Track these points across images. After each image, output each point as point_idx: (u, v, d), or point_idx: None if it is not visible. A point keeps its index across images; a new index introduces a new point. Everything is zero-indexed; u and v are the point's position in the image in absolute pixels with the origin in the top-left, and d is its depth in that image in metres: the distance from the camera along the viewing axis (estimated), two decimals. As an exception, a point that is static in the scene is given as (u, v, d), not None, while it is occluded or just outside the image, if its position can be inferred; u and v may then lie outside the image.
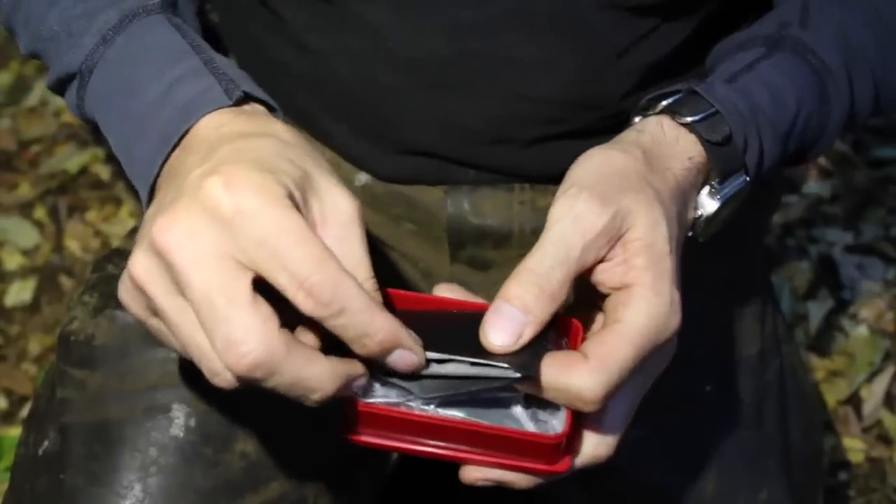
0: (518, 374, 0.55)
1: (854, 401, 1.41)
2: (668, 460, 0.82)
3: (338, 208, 0.55)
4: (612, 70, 0.71)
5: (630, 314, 0.57)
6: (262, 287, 0.52)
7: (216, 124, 0.59)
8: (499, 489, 0.63)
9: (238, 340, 0.51)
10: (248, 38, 0.80)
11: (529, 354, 0.57)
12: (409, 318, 0.58)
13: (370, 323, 0.53)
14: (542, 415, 0.59)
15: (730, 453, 0.83)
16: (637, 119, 0.66)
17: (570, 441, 0.59)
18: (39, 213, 1.62)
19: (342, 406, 0.58)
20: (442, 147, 0.75)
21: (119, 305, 0.78)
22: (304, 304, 0.52)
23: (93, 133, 1.73)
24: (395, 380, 0.57)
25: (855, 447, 1.37)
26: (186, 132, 0.59)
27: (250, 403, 0.77)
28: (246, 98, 0.61)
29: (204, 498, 0.74)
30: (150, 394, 0.76)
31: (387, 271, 0.81)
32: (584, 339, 0.60)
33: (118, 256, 0.83)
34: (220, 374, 0.52)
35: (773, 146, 0.67)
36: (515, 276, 0.57)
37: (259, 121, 0.59)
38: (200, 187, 0.53)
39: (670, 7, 0.71)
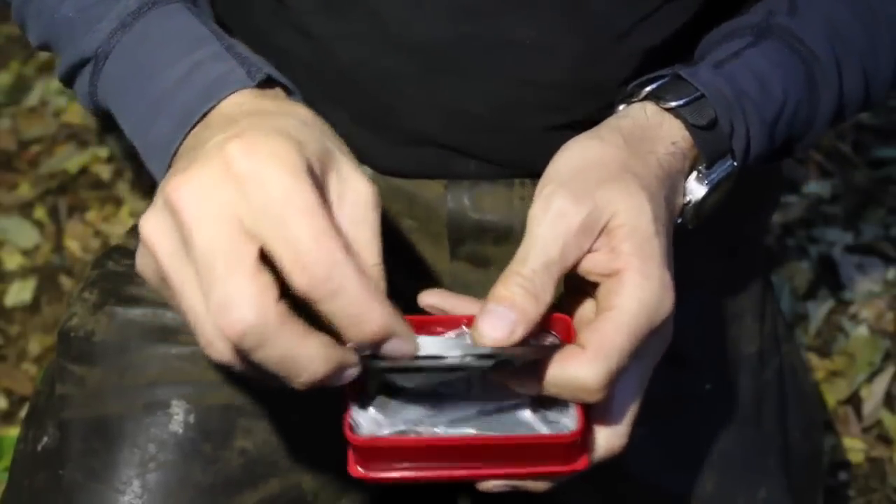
0: (503, 349, 0.55)
1: (854, 401, 1.41)
2: (668, 459, 0.82)
3: (356, 189, 0.54)
4: (613, 54, 0.71)
5: (622, 300, 0.57)
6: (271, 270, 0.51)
7: (238, 102, 0.59)
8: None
9: (232, 304, 0.49)
10: (250, 26, 0.80)
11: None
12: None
13: (366, 310, 0.51)
14: (552, 415, 0.59)
15: (729, 452, 0.83)
16: (622, 107, 0.66)
17: (584, 437, 0.58)
18: (39, 213, 1.62)
19: (349, 445, 0.57)
20: (443, 135, 0.75)
21: (119, 302, 0.79)
22: (299, 279, 0.50)
23: (100, 132, 1.73)
24: (390, 376, 0.57)
25: (855, 447, 1.37)
26: (208, 112, 0.59)
27: (250, 400, 0.77)
28: (268, 82, 0.61)
29: (203, 494, 0.74)
30: (149, 390, 0.76)
31: (386, 269, 0.81)
32: (574, 332, 0.60)
33: (118, 253, 0.83)
34: (214, 343, 0.51)
35: (760, 132, 0.67)
36: (502, 280, 0.58)
37: (282, 102, 0.59)
38: (221, 148, 0.52)
39: None
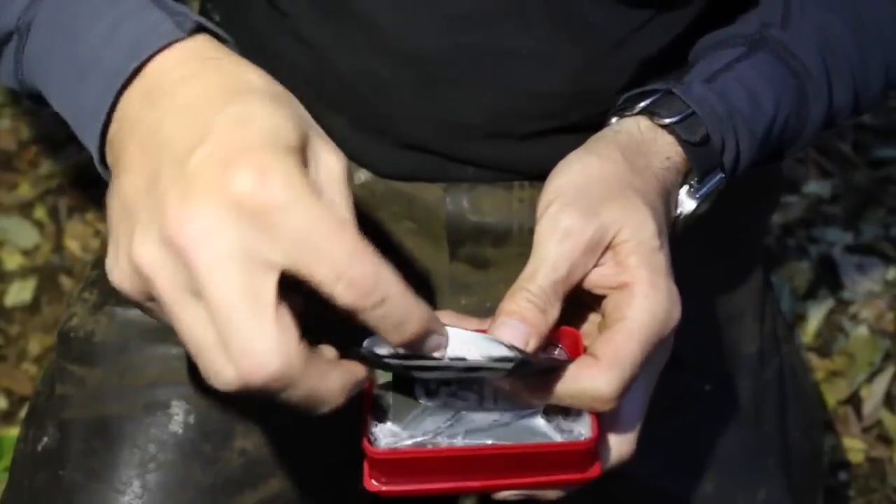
0: (522, 354, 0.55)
1: (854, 401, 1.42)
2: (668, 460, 0.82)
3: (329, 168, 0.52)
4: (608, 63, 0.72)
5: (633, 311, 0.58)
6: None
7: (172, 64, 0.54)
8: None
9: (258, 351, 0.47)
10: (248, 33, 0.80)
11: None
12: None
13: (411, 310, 0.51)
14: (566, 424, 0.59)
15: (729, 453, 0.83)
16: (614, 119, 0.66)
17: (598, 445, 0.59)
18: (39, 213, 1.62)
19: (365, 459, 0.57)
20: (439, 142, 0.75)
21: (119, 302, 0.79)
22: (344, 296, 0.49)
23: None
24: (407, 367, 0.56)
25: (855, 447, 1.37)
26: (139, 71, 0.54)
27: (250, 401, 0.77)
28: (198, 31, 0.55)
29: (203, 494, 0.74)
30: (149, 390, 0.76)
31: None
32: (583, 345, 0.61)
33: (118, 253, 0.83)
34: (224, 378, 0.49)
35: (749, 147, 0.68)
36: (510, 296, 0.59)
37: (226, 66, 0.54)
38: (225, 177, 0.48)
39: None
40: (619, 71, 0.72)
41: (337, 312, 0.50)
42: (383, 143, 0.76)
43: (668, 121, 0.64)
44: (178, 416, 0.75)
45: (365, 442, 0.56)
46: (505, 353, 0.56)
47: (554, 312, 0.58)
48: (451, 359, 0.54)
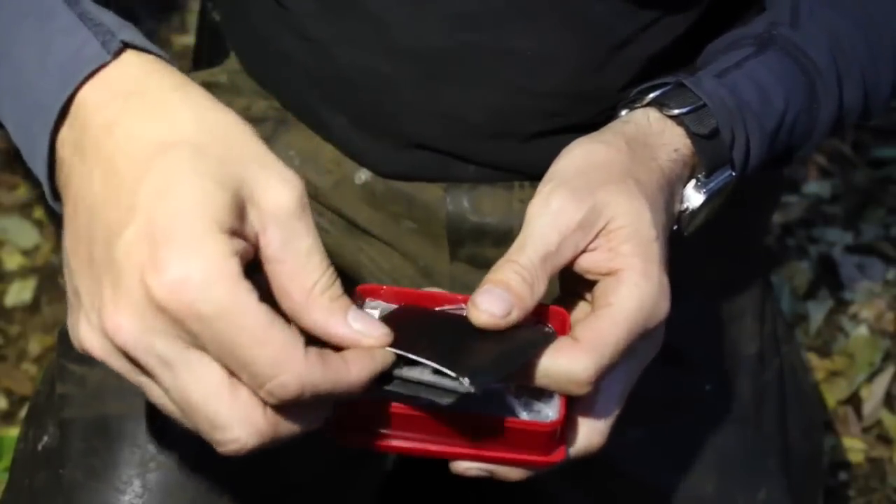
0: (471, 389, 0.53)
1: (854, 401, 1.42)
2: (668, 460, 0.82)
3: (276, 206, 0.50)
4: (611, 62, 0.72)
5: (620, 297, 0.57)
6: None
7: (97, 103, 0.51)
8: (499, 491, 0.63)
9: (227, 430, 0.49)
10: (250, 31, 0.80)
11: (503, 355, 0.56)
12: (388, 320, 0.58)
13: (344, 388, 0.51)
14: (535, 404, 0.58)
15: (729, 453, 0.83)
16: (624, 112, 0.66)
17: (564, 431, 0.58)
18: (39, 213, 1.62)
19: None
20: (441, 141, 0.75)
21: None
22: (268, 399, 0.49)
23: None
24: None
25: (855, 447, 1.37)
26: (69, 106, 0.52)
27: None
28: (126, 47, 0.53)
29: (203, 494, 0.74)
30: (149, 390, 0.75)
31: (387, 270, 0.81)
32: (570, 326, 0.60)
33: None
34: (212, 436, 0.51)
35: (759, 142, 0.67)
36: (497, 267, 0.58)
37: (150, 104, 0.51)
38: (147, 274, 0.47)
39: None
40: (622, 70, 0.72)
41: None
42: (384, 142, 0.76)
43: (677, 112, 0.64)
44: (179, 415, 0.75)
45: None
46: (455, 386, 0.54)
47: (540, 287, 0.57)
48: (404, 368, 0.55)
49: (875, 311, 1.49)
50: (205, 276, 0.47)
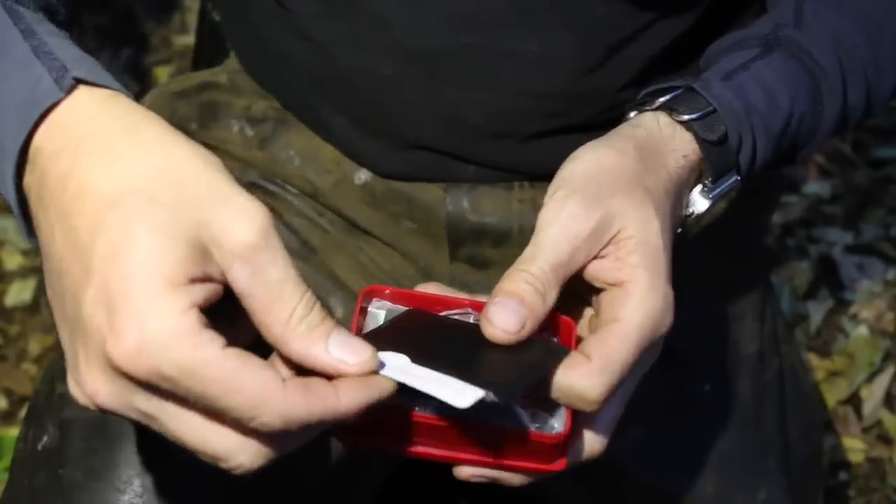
0: (490, 394, 0.54)
1: (854, 401, 1.42)
2: (668, 460, 0.83)
3: (237, 243, 0.49)
4: (611, 63, 0.72)
5: (628, 312, 0.57)
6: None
7: (52, 151, 0.50)
8: (498, 490, 0.63)
9: (232, 466, 0.50)
10: (250, 32, 0.80)
11: (518, 371, 0.56)
12: (399, 325, 0.58)
13: (335, 418, 0.51)
14: (541, 413, 0.59)
15: (729, 453, 0.83)
16: (632, 114, 0.66)
17: (568, 440, 0.59)
18: (40, 212, 1.62)
19: None
20: (441, 141, 0.75)
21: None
22: (260, 430, 0.50)
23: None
24: None
25: (855, 447, 1.37)
26: (27, 150, 0.51)
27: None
28: (78, 83, 0.52)
29: (203, 494, 0.74)
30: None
31: (387, 270, 0.81)
32: (577, 337, 0.60)
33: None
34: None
35: (765, 146, 0.67)
36: (509, 277, 0.58)
37: (101, 150, 0.50)
38: (108, 340, 0.47)
39: (669, 0, 0.71)
40: (622, 71, 0.72)
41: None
42: (385, 142, 0.76)
43: (686, 117, 0.64)
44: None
45: None
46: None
47: (552, 297, 0.57)
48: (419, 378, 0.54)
49: (875, 311, 1.49)
50: (162, 338, 0.47)
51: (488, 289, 0.67)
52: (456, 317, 0.61)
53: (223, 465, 0.50)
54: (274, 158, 0.80)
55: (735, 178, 0.66)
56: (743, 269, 0.88)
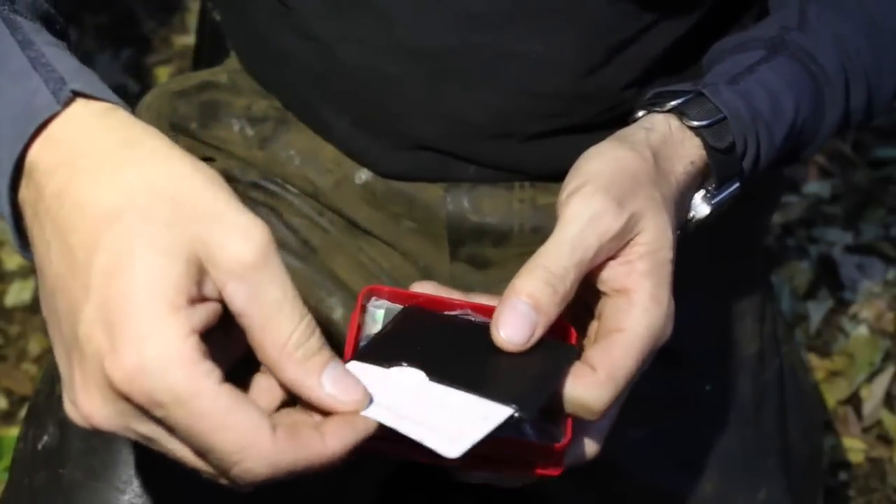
0: (515, 413, 0.53)
1: (854, 401, 1.42)
2: (668, 460, 0.83)
3: (235, 261, 0.48)
4: (612, 63, 0.72)
5: (632, 323, 0.57)
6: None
7: (48, 167, 0.50)
8: (498, 491, 0.63)
9: (235, 480, 0.49)
10: (251, 31, 0.80)
11: (531, 381, 0.55)
12: (403, 328, 0.58)
13: (321, 464, 0.50)
14: (541, 422, 0.58)
15: (729, 453, 0.83)
16: (641, 113, 0.65)
17: (567, 448, 0.59)
18: (40, 212, 1.62)
19: None
20: (442, 141, 0.75)
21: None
22: (232, 486, 0.50)
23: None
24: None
25: (855, 447, 1.37)
26: (22, 164, 0.51)
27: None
28: (76, 96, 0.51)
29: (204, 493, 0.74)
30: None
31: (387, 269, 0.81)
32: (578, 344, 0.60)
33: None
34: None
35: (768, 150, 0.67)
36: (529, 272, 0.56)
37: (97, 168, 0.49)
38: (106, 361, 0.47)
39: (672, 1, 0.71)
40: (623, 71, 0.72)
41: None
42: (386, 141, 0.76)
43: (696, 123, 0.63)
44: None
45: None
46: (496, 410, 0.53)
47: (569, 299, 0.56)
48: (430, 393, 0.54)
49: (875, 311, 1.49)
50: (161, 363, 0.46)
51: (488, 289, 0.67)
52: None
53: (228, 480, 0.50)
54: (274, 158, 0.80)
55: (737, 184, 0.66)
56: (743, 269, 0.88)
